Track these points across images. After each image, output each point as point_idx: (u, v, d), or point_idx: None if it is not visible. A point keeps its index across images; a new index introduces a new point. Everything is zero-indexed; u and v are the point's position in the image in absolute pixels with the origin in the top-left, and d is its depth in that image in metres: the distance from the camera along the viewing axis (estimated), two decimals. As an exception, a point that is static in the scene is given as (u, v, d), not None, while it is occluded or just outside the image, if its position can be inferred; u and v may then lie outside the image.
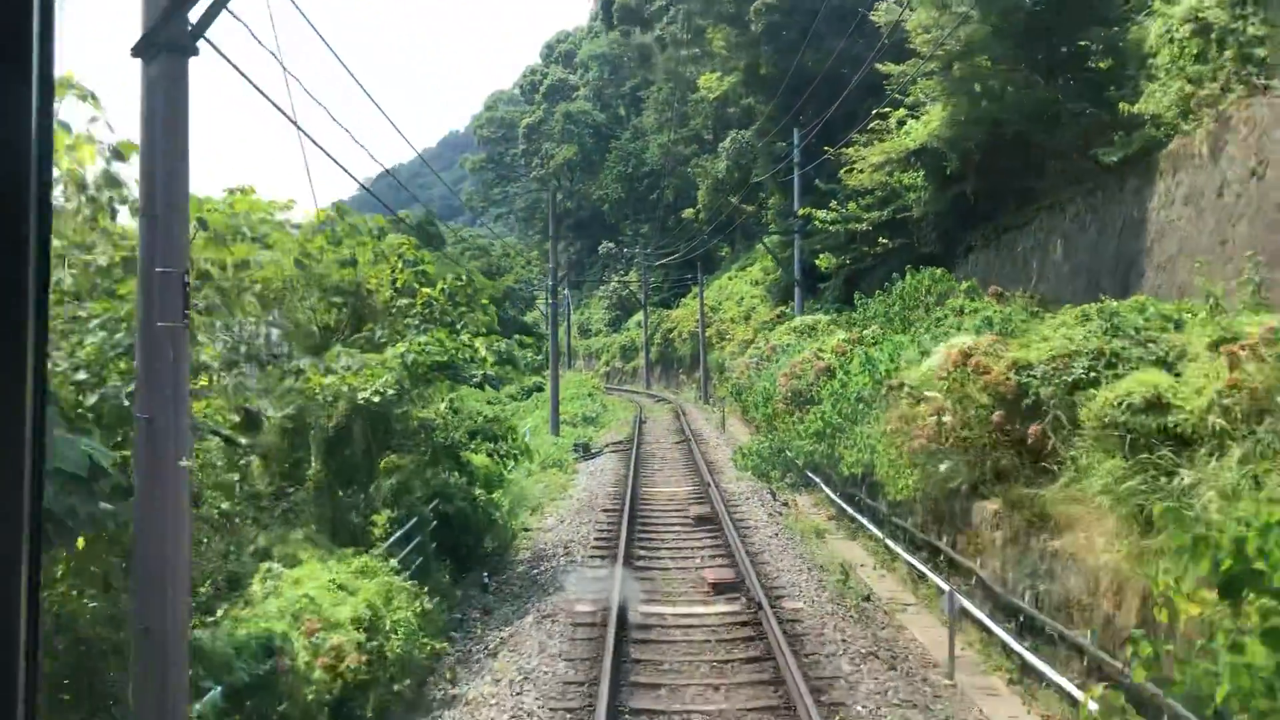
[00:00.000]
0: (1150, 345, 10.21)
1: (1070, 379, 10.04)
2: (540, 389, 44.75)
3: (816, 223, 30.63)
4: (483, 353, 13.31)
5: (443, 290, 14.06)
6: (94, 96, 7.22)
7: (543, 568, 15.08)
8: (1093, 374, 10.05)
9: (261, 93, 7.69)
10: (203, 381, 8.51)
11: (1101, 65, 20.15)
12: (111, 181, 8.03)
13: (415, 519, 13.82)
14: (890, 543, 14.99)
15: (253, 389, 9.04)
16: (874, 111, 25.78)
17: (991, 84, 21.59)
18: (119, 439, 6.94)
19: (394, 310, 13.99)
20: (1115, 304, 11.27)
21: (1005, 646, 10.29)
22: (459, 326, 14.17)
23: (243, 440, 8.73)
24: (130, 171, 7.63)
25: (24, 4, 1.17)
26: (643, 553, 15.27)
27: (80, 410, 6.90)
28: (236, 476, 11.97)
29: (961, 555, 12.46)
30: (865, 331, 20.09)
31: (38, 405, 1.20)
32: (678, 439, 31.85)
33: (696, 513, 18.09)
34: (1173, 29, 16.12)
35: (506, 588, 14.31)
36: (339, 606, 9.15)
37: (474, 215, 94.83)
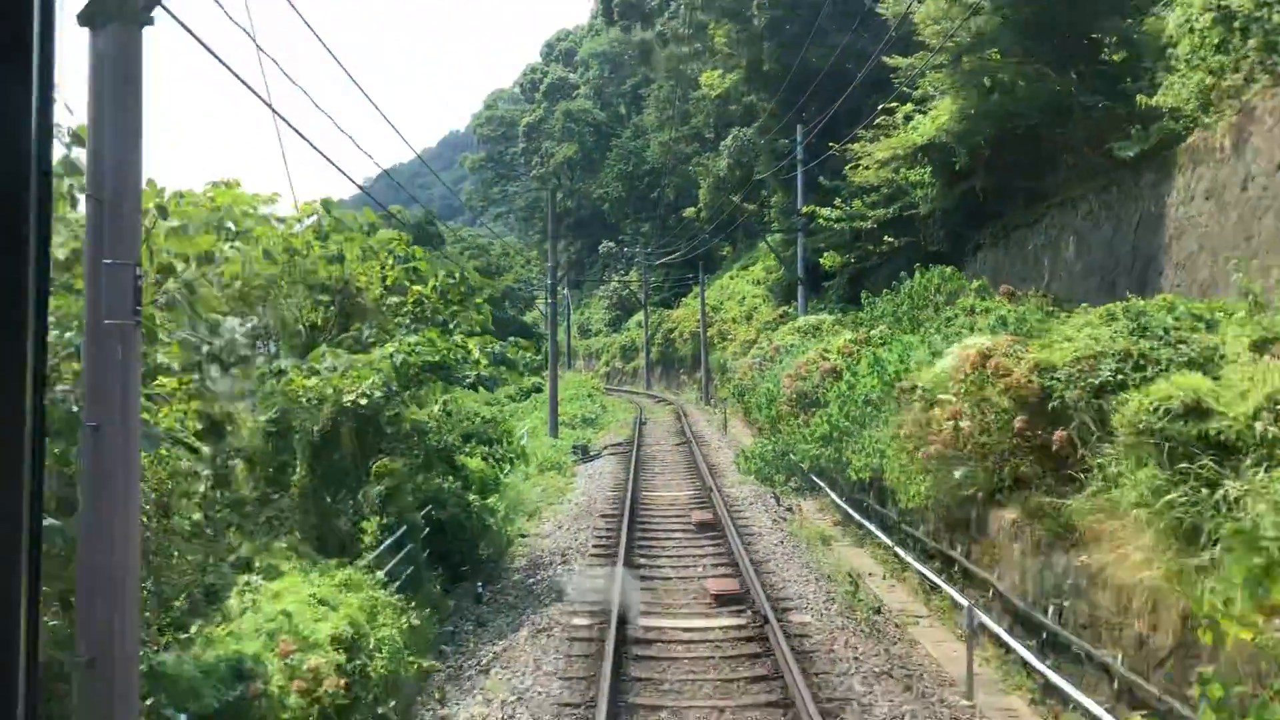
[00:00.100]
0: (1181, 346, 9.65)
1: (1097, 382, 9.47)
2: (539, 390, 44.15)
3: (820, 221, 30.05)
4: (476, 354, 12.72)
5: (435, 288, 13.47)
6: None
7: (539, 576, 14.51)
8: (1120, 377, 9.49)
9: (229, 69, 7.13)
10: (169, 384, 7.95)
11: (1115, 58, 19.58)
12: (71, 168, 7.48)
13: (406, 526, 13.26)
14: (900, 551, 14.42)
15: (220, 392, 8.46)
16: (880, 107, 25.20)
17: (1002, 77, 21.01)
18: (69, 447, 6.38)
19: (384, 309, 13.41)
20: (1142, 302, 10.71)
21: (1026, 664, 9.71)
22: (451, 326, 13.59)
23: (206, 449, 8.15)
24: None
25: (24, 4, 1.17)
26: (643, 561, 14.70)
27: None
28: (210, 485, 11.40)
29: (977, 566, 11.89)
30: (872, 332, 19.51)
31: (38, 405, 1.20)
32: (678, 441, 31.27)
33: (698, 518, 17.51)
34: (1193, 18, 15.54)
35: (501, 598, 13.74)
36: (319, 623, 8.57)
37: (474, 215, 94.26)
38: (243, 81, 7.80)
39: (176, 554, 9.13)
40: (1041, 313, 14.90)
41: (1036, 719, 9.11)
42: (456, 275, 13.25)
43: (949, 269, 19.76)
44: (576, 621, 11.59)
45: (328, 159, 12.66)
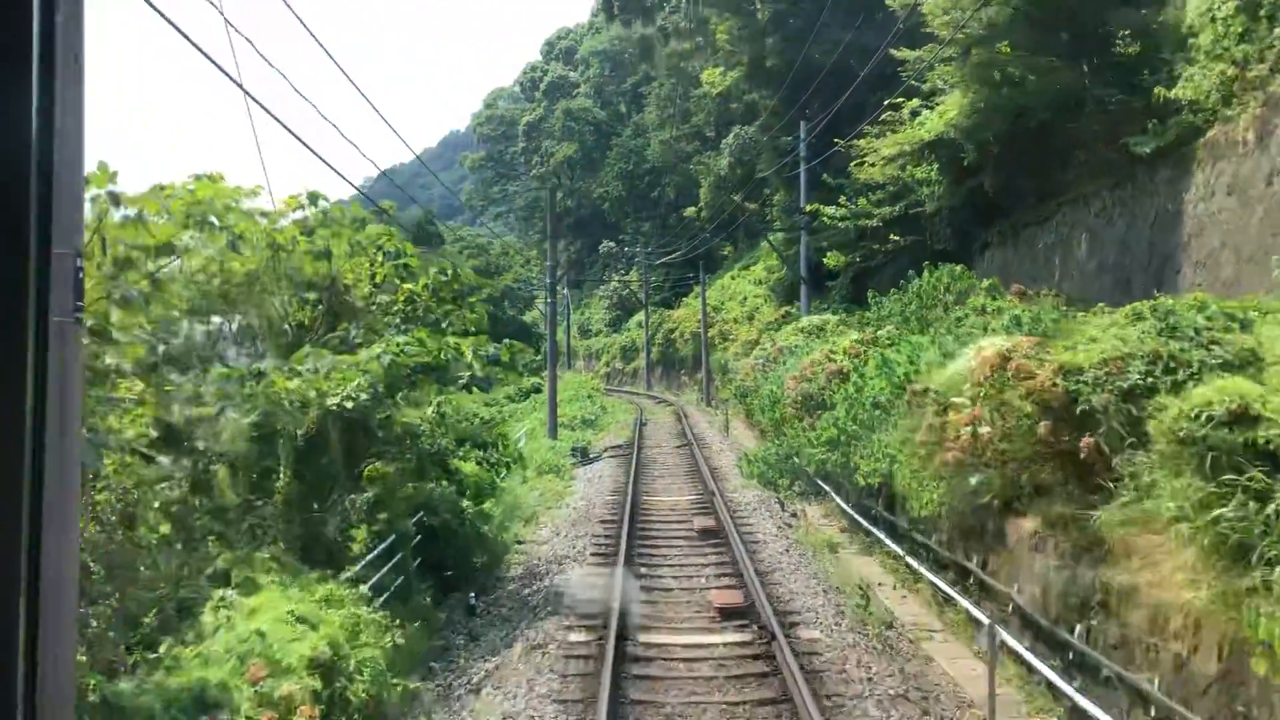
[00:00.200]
0: (1214, 348, 9.09)
1: (1126, 385, 8.90)
2: (538, 390, 43.59)
3: (824, 219, 29.46)
4: (469, 357, 12.13)
5: (426, 286, 12.89)
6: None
7: (535, 587, 13.93)
8: (1150, 380, 8.93)
9: (192, 42, 6.55)
10: (134, 388, 7.39)
11: (1130, 50, 18.98)
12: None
13: (395, 535, 12.69)
14: (911, 561, 13.83)
15: (180, 398, 7.89)
16: (886, 102, 24.61)
17: (1012, 71, 20.43)
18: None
19: (374, 307, 12.84)
20: (1170, 301, 10.14)
21: (1050, 686, 9.14)
22: (444, 325, 13.01)
23: (164, 459, 7.59)
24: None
25: (24, 4, 1.18)
26: (643, 570, 14.12)
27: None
28: (188, 490, 10.84)
29: (994, 578, 11.31)
30: (880, 332, 18.93)
31: (38, 405, 1.21)
32: (680, 443, 30.70)
33: (700, 525, 16.93)
34: (1215, 7, 14.98)
35: (495, 609, 13.17)
36: (296, 643, 8.00)
37: (473, 216, 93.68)
38: (208, 57, 7.23)
39: (144, 567, 8.57)
40: (1057, 312, 14.32)
41: (1063, 745, 8.55)
42: (449, 272, 12.67)
43: (959, 267, 19.19)
44: (573, 637, 11.02)
45: (322, 159, 12.08)
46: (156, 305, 7.40)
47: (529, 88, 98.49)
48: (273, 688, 7.09)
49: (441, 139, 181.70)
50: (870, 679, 9.43)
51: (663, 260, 60.80)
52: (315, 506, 12.66)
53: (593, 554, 15.49)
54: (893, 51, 23.03)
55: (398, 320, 12.58)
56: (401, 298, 12.86)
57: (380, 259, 12.67)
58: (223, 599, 8.99)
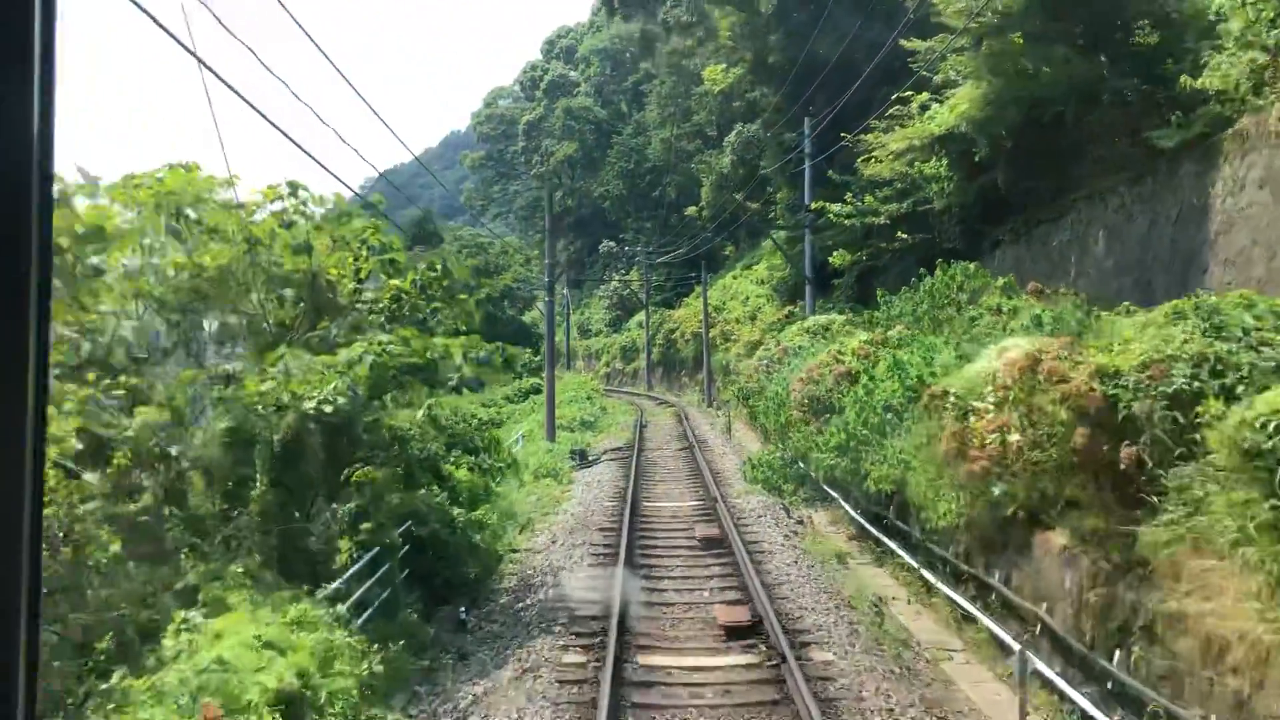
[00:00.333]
0: (1265, 349, 8.36)
1: (1170, 390, 8.16)
2: (537, 391, 42.86)
3: (830, 217, 28.69)
4: (458, 359, 11.38)
5: (414, 282, 12.15)
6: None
7: (529, 600, 13.19)
8: (1196, 384, 8.19)
9: (150, 15, 5.83)
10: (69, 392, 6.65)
11: (1149, 40, 18.24)
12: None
13: (380, 547, 11.96)
14: (926, 573, 13.10)
15: (108, 405, 7.16)
16: (894, 96, 23.89)
17: (1025, 64, 19.68)
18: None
19: (359, 305, 12.10)
20: (1214, 298, 9.41)
21: (1086, 717, 8.40)
22: (432, 324, 12.26)
23: (86, 474, 6.85)
24: None
25: (24, 4, 1.18)
26: (643, 583, 13.38)
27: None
28: (153, 501, 10.11)
29: (1019, 595, 10.56)
30: (890, 332, 18.18)
31: (39, 405, 1.20)
32: (681, 446, 29.96)
33: (703, 533, 16.19)
34: (1246, -9, 14.23)
35: (487, 624, 12.42)
36: (260, 673, 7.27)
37: (473, 216, 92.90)
38: (165, 30, 6.52)
39: (96, 588, 7.85)
40: (1080, 312, 13.57)
41: (1103, 783, 7.81)
42: (438, 268, 11.94)
43: (972, 265, 18.43)
44: (568, 659, 10.28)
45: (322, 165, 11.36)
46: (86, 297, 6.64)
47: (529, 87, 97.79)
48: (229, 728, 6.36)
49: (442, 139, 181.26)
50: (890, 708, 8.69)
51: (664, 260, 60.08)
52: (297, 516, 11.94)
53: (590, 565, 14.76)
54: (902, 42, 22.29)
55: (383, 319, 11.83)
56: (388, 295, 12.11)
57: (365, 254, 11.92)
58: (185, 621, 8.27)
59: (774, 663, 9.86)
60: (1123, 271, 18.33)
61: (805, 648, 10.36)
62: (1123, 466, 8.15)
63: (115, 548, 8.03)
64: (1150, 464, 8.14)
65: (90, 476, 7.32)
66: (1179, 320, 9.13)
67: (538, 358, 36.61)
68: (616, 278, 75.28)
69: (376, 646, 9.12)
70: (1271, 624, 6.04)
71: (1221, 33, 14.87)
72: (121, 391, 7.84)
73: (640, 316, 65.21)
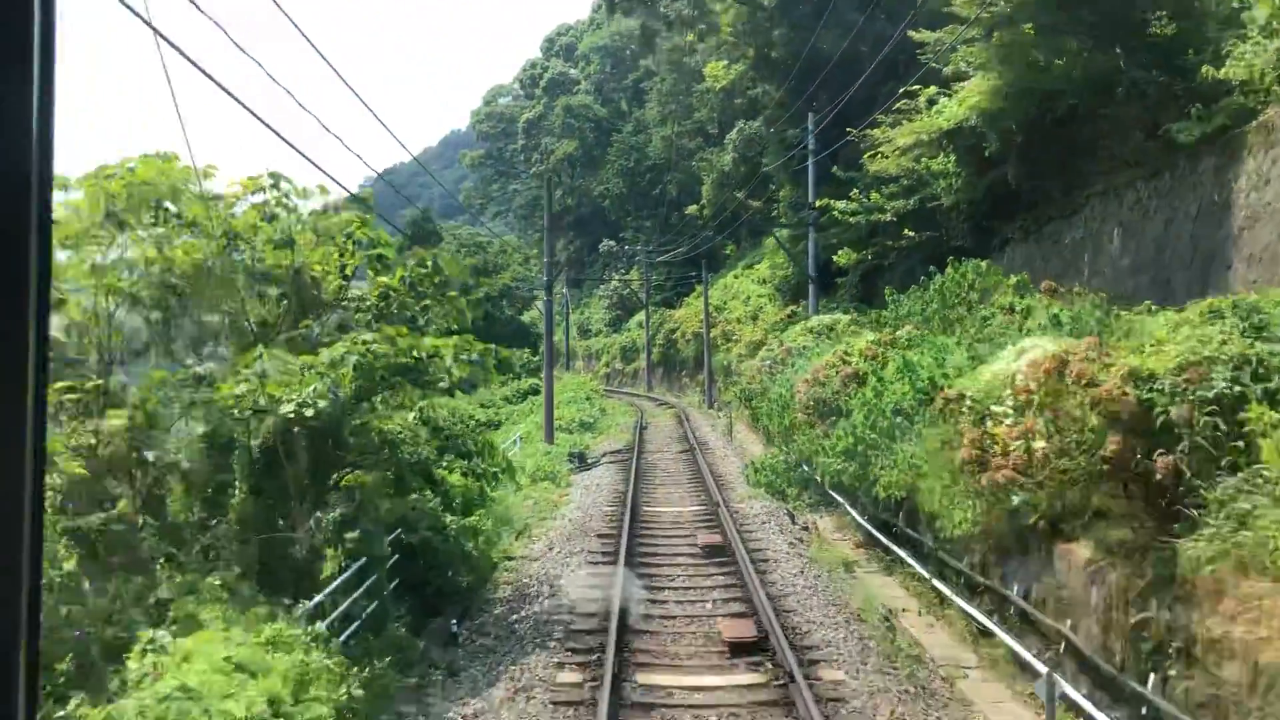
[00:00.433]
0: (1312, 350, 7.80)
1: (1210, 395, 7.59)
2: (536, 391, 42.30)
3: (835, 214, 28.09)
4: (448, 361, 10.80)
5: (403, 279, 11.56)
6: None
7: (524, 612, 12.62)
8: (1238, 388, 7.62)
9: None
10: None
11: (1167, 30, 17.65)
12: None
13: (368, 556, 11.39)
14: (939, 584, 12.53)
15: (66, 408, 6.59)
16: (901, 90, 23.30)
17: (1036, 57, 19.09)
18: None
19: (345, 302, 11.52)
20: (1253, 296, 8.85)
21: (1117, 744, 7.84)
22: (422, 322, 11.68)
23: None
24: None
25: (24, 4, 1.18)
26: (643, 594, 12.81)
27: None
28: (138, 508, 9.56)
29: (1039, 610, 9.99)
30: (899, 332, 17.60)
31: (38, 406, 1.21)
32: (682, 448, 29.39)
33: (705, 541, 15.61)
34: (1272, -23, 13.65)
35: (479, 637, 11.85)
36: (229, 700, 6.70)
37: (473, 216, 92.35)
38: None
39: (53, 605, 7.28)
40: (1100, 311, 13.01)
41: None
42: (429, 264, 11.37)
43: (984, 263, 17.86)
44: (563, 677, 9.71)
45: (322, 170, 10.79)
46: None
47: (529, 84, 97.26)
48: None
49: (442, 138, 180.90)
50: (907, 735, 8.12)
51: (664, 259, 59.50)
52: (281, 524, 11.37)
53: (588, 573, 14.18)
54: (911, 34, 21.70)
55: (370, 317, 11.25)
56: (375, 292, 11.53)
57: (351, 248, 11.35)
58: (152, 641, 7.69)
59: (781, 682, 9.29)
60: (1139, 270, 17.77)
61: (814, 665, 9.79)
62: (1158, 476, 7.58)
63: (70, 565, 7.45)
64: (1188, 474, 7.58)
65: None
66: (1215, 319, 8.57)
67: (536, 358, 36.01)
68: (616, 277, 74.70)
69: (359, 667, 8.54)
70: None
71: (1246, 20, 14.29)
72: (76, 396, 7.29)
73: (640, 316, 64.64)
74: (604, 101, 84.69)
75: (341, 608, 10.56)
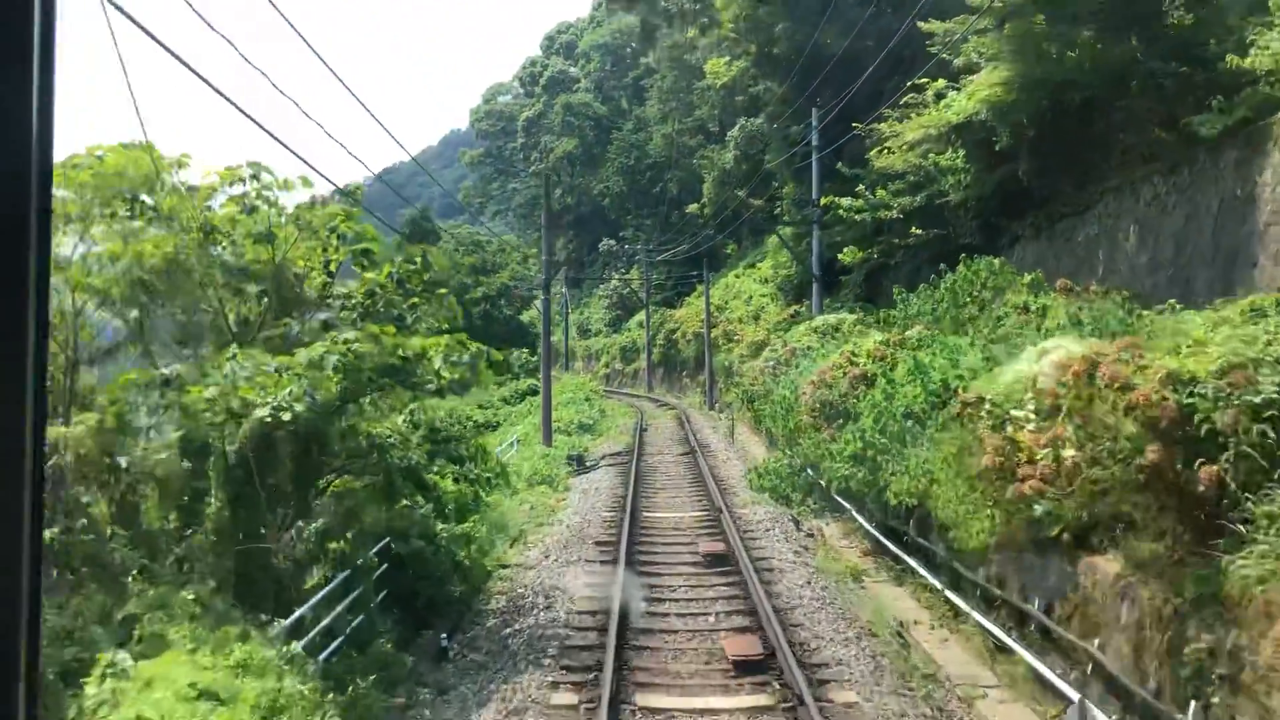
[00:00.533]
0: (1365, 352, 7.21)
1: (1258, 400, 7.01)
2: (535, 392, 41.70)
3: (840, 212, 27.49)
4: (436, 362, 10.22)
5: (390, 275, 10.98)
6: None
7: (518, 625, 12.04)
8: (1287, 393, 7.04)
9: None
10: None
11: (1184, 20, 17.06)
12: None
13: (352, 568, 10.83)
14: (953, 596, 11.96)
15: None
16: (909, 83, 22.70)
17: (1048, 48, 18.50)
18: None
19: (329, 300, 10.94)
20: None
21: (1154, 776, 7.27)
22: (411, 320, 11.10)
23: None
24: None
25: (24, 4, 1.18)
26: (643, 606, 12.23)
27: None
28: (111, 518, 8.97)
29: (1063, 627, 9.42)
30: (908, 332, 17.01)
31: (38, 405, 1.21)
32: (682, 450, 28.81)
33: (707, 549, 15.03)
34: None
35: (471, 652, 11.28)
36: (191, 733, 6.13)
37: (472, 216, 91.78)
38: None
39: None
40: (1123, 310, 12.44)
41: None
42: (418, 260, 10.79)
43: (997, 261, 17.27)
44: (557, 699, 9.13)
45: (322, 174, 10.23)
46: None
47: (529, 83, 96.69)
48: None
49: (442, 138, 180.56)
50: (928, 766, 7.54)
51: (664, 258, 58.91)
52: (262, 532, 10.79)
53: (586, 583, 13.60)
54: (920, 25, 21.10)
55: (355, 315, 10.67)
56: (362, 289, 10.95)
57: (335, 243, 10.77)
58: (112, 665, 7.11)
59: (790, 704, 8.72)
60: (1157, 268, 17.18)
61: (824, 686, 9.22)
62: (1201, 488, 6.99)
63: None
64: (1233, 485, 7.00)
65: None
66: (1258, 318, 7.98)
67: (535, 358, 35.41)
68: (616, 276, 74.10)
69: (337, 692, 7.96)
70: None
71: (1273, 7, 13.70)
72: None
73: (640, 316, 64.05)
74: (604, 99, 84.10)
75: (324, 622, 10.00)
